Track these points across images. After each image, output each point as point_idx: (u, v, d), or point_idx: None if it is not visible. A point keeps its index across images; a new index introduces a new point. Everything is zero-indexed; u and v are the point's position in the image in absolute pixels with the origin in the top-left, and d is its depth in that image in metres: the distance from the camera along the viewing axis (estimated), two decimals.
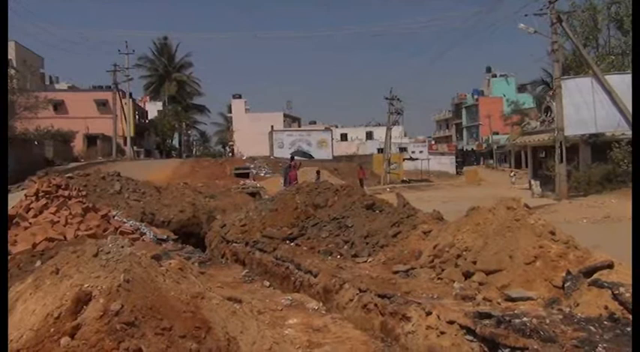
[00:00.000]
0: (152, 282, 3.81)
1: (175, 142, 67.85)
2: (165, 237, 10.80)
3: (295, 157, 29.36)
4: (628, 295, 4.26)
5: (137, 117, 55.41)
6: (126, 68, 48.03)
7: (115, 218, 10.58)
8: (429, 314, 4.80)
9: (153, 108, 61.96)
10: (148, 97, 65.05)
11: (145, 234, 10.42)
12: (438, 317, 4.67)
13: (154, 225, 12.48)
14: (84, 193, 10.67)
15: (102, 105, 47.96)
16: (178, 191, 17.52)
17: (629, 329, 3.96)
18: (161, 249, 8.67)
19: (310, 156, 41.77)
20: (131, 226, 10.53)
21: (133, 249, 4.23)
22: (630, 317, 4.17)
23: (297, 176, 23.04)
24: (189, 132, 71.73)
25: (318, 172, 26.43)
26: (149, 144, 58.96)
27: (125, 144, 47.49)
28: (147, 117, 60.91)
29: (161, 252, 7.51)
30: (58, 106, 44.47)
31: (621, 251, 6.47)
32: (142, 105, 61.33)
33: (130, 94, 51.23)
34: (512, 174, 39.87)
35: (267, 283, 7.91)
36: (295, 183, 18.06)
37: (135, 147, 50.08)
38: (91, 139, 45.17)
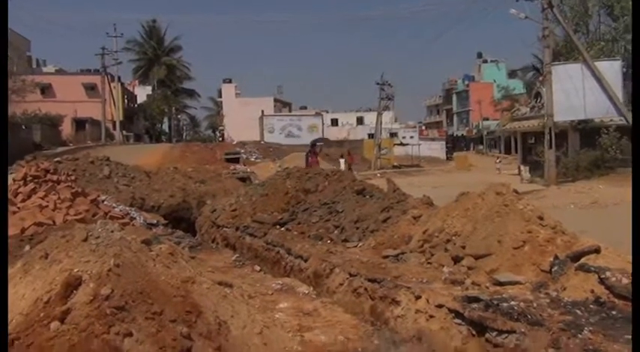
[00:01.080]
0: (142, 267, 3.81)
1: (165, 127, 67.45)
2: (155, 221, 10.78)
3: (317, 143, 30.74)
4: (614, 279, 4.32)
5: (126, 101, 54.97)
6: (114, 51, 47.60)
7: (105, 203, 10.54)
8: (418, 298, 4.85)
9: (142, 93, 61.40)
10: (136, 81, 64.43)
11: (134, 218, 10.40)
12: (427, 301, 4.71)
13: (144, 210, 12.45)
14: (73, 178, 10.59)
15: (90, 89, 47.46)
16: (168, 176, 17.46)
17: (614, 312, 4.03)
18: (151, 233, 8.66)
19: (322, 142, 39.28)
20: (121, 211, 10.50)
21: (122, 234, 4.22)
22: (616, 301, 4.25)
23: (319, 161, 24.78)
24: (179, 116, 71.28)
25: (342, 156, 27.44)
26: (138, 129, 58.55)
27: (114, 128, 47.14)
28: (136, 102, 60.41)
29: (151, 237, 7.50)
30: (46, 90, 43.94)
31: (608, 236, 6.55)
32: (131, 90, 60.78)
33: (119, 78, 50.79)
34: (497, 160, 39.61)
35: (258, 268, 7.94)
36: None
37: (124, 132, 49.73)
38: (79, 123, 44.74)
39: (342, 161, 33.39)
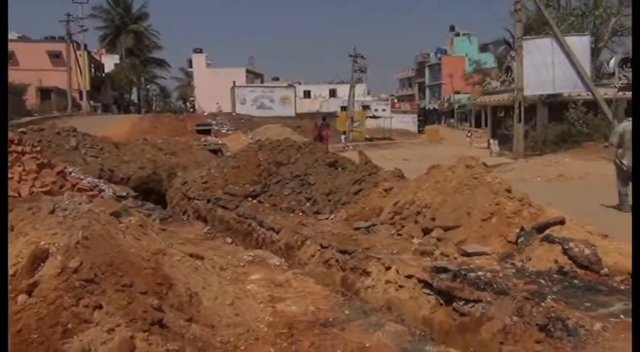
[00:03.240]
0: (112, 239, 3.76)
1: (134, 97, 66.03)
2: (124, 194, 10.62)
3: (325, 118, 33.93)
4: (577, 250, 4.46)
5: (93, 70, 53.45)
6: (80, 18, 46.00)
7: (72, 174, 10.32)
8: (388, 269, 4.93)
9: (109, 61, 59.69)
10: (103, 50, 62.56)
11: (103, 190, 10.22)
12: (397, 271, 4.79)
13: (113, 182, 12.24)
14: (38, 149, 10.31)
15: (55, 57, 45.94)
16: (138, 147, 17.16)
17: (576, 281, 4.17)
18: (121, 205, 8.49)
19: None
20: (89, 183, 10.30)
21: (91, 206, 4.15)
22: (578, 270, 4.39)
23: (329, 134, 29.31)
24: (148, 86, 69.85)
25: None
26: (106, 99, 57.15)
27: (81, 98, 45.91)
28: (103, 71, 58.77)
29: (121, 209, 7.36)
30: (9, 58, 42.32)
31: (573, 207, 6.74)
32: (98, 58, 59.00)
33: (85, 46, 49.26)
34: (469, 134, 39.77)
35: (230, 240, 7.93)
36: (327, 141, 25.53)
37: (91, 102, 48.50)
38: (44, 93, 43.40)
39: (343, 137, 34.41)
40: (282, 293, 5.08)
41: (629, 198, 8.98)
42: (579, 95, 24.05)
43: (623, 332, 3.25)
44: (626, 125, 9.50)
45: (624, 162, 9.51)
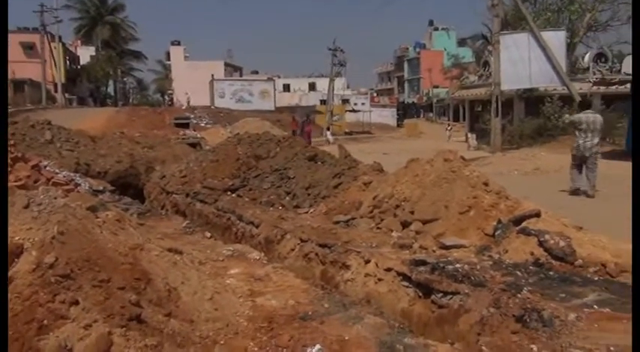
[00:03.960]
0: (88, 234, 3.71)
1: (110, 90, 65.00)
2: (101, 188, 10.47)
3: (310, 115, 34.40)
4: (552, 242, 4.54)
5: (68, 62, 52.48)
6: (54, 9, 45.08)
7: (47, 168, 10.12)
8: (367, 262, 4.95)
9: (85, 53, 58.63)
10: (79, 41, 61.42)
11: (79, 185, 10.06)
12: (377, 265, 4.82)
13: (90, 176, 12.05)
14: (12, 142, 10.09)
15: (29, 48, 45.00)
16: (115, 141, 16.89)
17: (551, 273, 4.25)
18: (97, 200, 8.40)
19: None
20: (64, 177, 10.12)
21: (66, 201, 4.08)
22: (553, 262, 4.48)
23: (311, 130, 29.93)
24: (125, 79, 68.86)
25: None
26: (82, 92, 56.19)
27: (56, 90, 45.09)
28: (79, 63, 57.74)
29: (97, 204, 7.28)
30: None
31: (549, 200, 6.86)
32: (73, 50, 57.93)
33: (60, 38, 48.31)
34: (448, 127, 39.67)
35: (209, 234, 7.88)
36: (310, 139, 26.06)
37: (66, 95, 47.67)
38: (17, 85, 42.45)
39: (328, 133, 34.65)
40: (261, 287, 5.07)
41: (584, 183, 10.57)
42: (555, 90, 24.41)
43: (597, 322, 3.32)
44: (586, 117, 10.82)
45: (581, 145, 10.70)
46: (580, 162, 10.81)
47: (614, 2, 27.79)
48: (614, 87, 21.80)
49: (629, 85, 19.70)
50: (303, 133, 28.34)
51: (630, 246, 4.85)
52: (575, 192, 10.69)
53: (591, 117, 10.83)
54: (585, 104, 12.56)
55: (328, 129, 35.72)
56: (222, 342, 3.64)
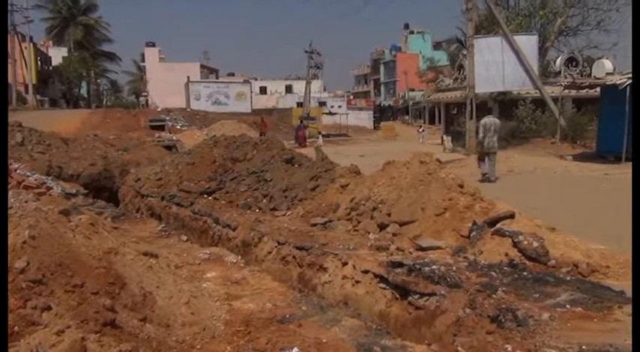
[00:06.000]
0: (60, 238, 3.64)
1: (84, 91, 63.91)
2: (74, 191, 10.30)
3: (303, 120, 36.31)
4: (526, 243, 4.62)
5: (39, 63, 51.41)
6: (24, 9, 44.14)
7: (18, 171, 9.91)
8: (345, 264, 4.96)
9: (57, 54, 57.48)
10: (50, 42, 60.24)
11: (51, 188, 9.87)
12: (354, 267, 4.84)
13: (62, 179, 11.85)
14: None
15: None
16: (88, 143, 16.63)
17: (525, 273, 4.32)
18: (70, 203, 8.24)
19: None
20: (36, 180, 9.92)
21: (38, 204, 4.01)
22: (527, 262, 4.55)
23: (305, 134, 32.25)
24: (98, 81, 67.86)
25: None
26: (54, 93, 55.16)
27: (26, 92, 44.15)
28: (50, 64, 56.61)
29: (70, 207, 7.14)
30: None
31: (522, 202, 6.96)
32: (45, 51, 56.79)
33: (31, 38, 47.33)
34: (420, 129, 38.12)
35: (185, 237, 7.82)
36: (304, 141, 29.60)
37: (38, 96, 46.71)
38: None
39: (320, 136, 35.34)
40: (238, 290, 5.05)
41: (490, 172, 13.17)
42: (528, 93, 24.84)
43: (570, 321, 3.39)
44: (487, 121, 13.51)
45: (484, 143, 13.31)
46: (484, 157, 13.41)
47: (583, 8, 28.41)
48: (584, 90, 22.27)
49: (598, 89, 20.15)
50: (297, 136, 31.54)
51: (600, 246, 4.96)
52: (484, 177, 13.06)
53: (492, 120, 13.56)
54: (486, 109, 14.54)
55: (319, 132, 36.18)
56: (198, 347, 3.61)
